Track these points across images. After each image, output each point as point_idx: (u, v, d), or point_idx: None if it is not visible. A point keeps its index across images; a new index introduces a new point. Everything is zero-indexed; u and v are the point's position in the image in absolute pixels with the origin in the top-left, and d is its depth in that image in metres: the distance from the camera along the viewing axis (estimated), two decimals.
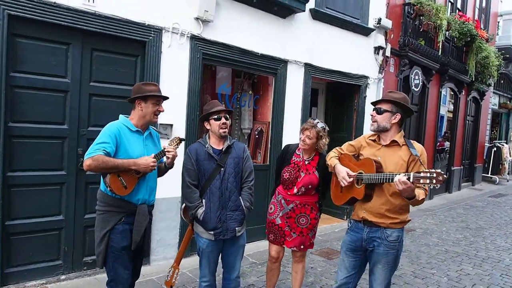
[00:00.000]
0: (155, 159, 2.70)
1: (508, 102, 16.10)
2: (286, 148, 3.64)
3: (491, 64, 10.92)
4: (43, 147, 3.82)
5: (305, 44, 5.96)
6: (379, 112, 2.84)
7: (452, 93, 11.12)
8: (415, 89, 8.66)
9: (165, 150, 2.78)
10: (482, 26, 11.38)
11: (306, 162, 3.44)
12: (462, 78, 10.66)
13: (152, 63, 4.32)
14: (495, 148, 13.80)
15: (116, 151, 2.65)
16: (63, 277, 3.99)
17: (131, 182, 2.67)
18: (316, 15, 6.03)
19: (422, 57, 8.49)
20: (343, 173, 2.87)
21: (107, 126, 2.73)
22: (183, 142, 3.01)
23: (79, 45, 3.92)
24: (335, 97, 7.57)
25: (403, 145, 2.80)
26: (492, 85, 12.95)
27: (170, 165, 2.94)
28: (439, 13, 8.13)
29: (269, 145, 5.79)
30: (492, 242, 6.42)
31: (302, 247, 3.48)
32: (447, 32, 8.98)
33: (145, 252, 3.04)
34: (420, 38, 8.35)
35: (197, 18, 4.59)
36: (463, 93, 11.36)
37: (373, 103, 2.94)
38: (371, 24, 7.04)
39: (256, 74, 5.82)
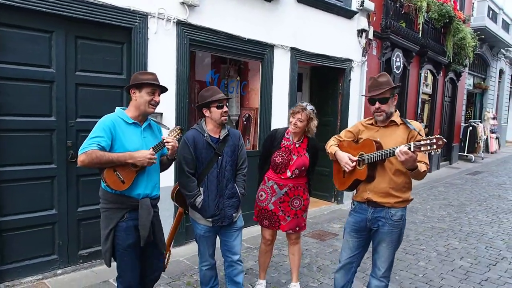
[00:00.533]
0: (153, 152, 2.60)
1: (482, 82, 16.53)
2: (274, 133, 3.64)
3: (467, 45, 11.15)
4: (31, 140, 3.69)
5: (290, 28, 5.93)
6: (384, 101, 2.81)
7: (431, 74, 11.32)
8: (397, 71, 8.77)
9: (164, 141, 2.67)
10: (458, 8, 11.56)
11: (297, 145, 3.48)
12: (440, 60, 10.86)
13: (139, 50, 4.20)
14: (470, 128, 14.18)
15: (111, 145, 2.55)
16: (59, 271, 3.91)
17: (128, 176, 2.57)
18: None
19: (403, 39, 8.58)
20: (345, 159, 2.90)
21: (101, 119, 2.62)
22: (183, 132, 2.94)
23: (63, 33, 3.77)
24: (319, 81, 7.59)
25: (400, 124, 2.85)
26: (468, 66, 13.23)
27: (172, 157, 2.84)
28: None
29: (258, 131, 5.78)
30: (474, 218, 6.65)
31: (297, 228, 3.55)
32: (426, 14, 9.08)
33: (161, 247, 2.89)
34: (401, 20, 8.42)
35: (182, 3, 4.48)
36: (441, 74, 11.59)
37: (374, 96, 2.82)
38: (354, 6, 7.05)
39: (243, 60, 5.76)
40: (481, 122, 15.69)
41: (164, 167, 2.92)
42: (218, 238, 3.27)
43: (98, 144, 2.47)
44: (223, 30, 4.97)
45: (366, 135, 2.94)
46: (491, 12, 14.70)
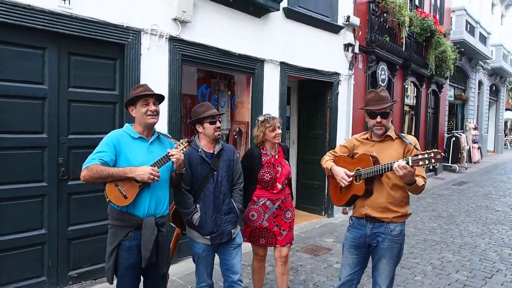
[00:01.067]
0: (155, 167, 2.55)
1: (463, 93, 16.95)
2: (250, 152, 3.60)
3: (448, 58, 11.47)
4: (21, 158, 3.61)
5: (280, 43, 6.00)
6: (385, 116, 2.83)
7: (414, 86, 11.57)
8: (382, 84, 8.94)
9: (169, 154, 2.61)
10: (438, 22, 11.90)
11: (277, 157, 3.54)
12: (423, 72, 11.12)
13: (132, 66, 4.19)
14: (454, 138, 14.46)
15: (116, 160, 2.55)
16: None
17: (131, 192, 2.53)
18: (289, 14, 6.08)
19: (388, 53, 8.77)
20: (342, 174, 2.91)
21: (108, 134, 2.63)
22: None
23: (56, 49, 3.74)
24: (307, 95, 7.66)
25: (396, 138, 2.88)
26: (449, 78, 13.58)
27: (180, 171, 2.78)
28: (402, 10, 8.44)
29: (249, 146, 5.78)
30: (465, 229, 6.72)
31: (292, 241, 3.62)
32: (409, 28, 9.32)
33: (163, 269, 2.79)
34: (385, 34, 8.62)
35: (175, 19, 4.51)
36: (424, 86, 11.85)
37: (379, 110, 2.82)
38: (340, 21, 7.19)
39: (234, 74, 5.79)
40: (463, 132, 16.03)
41: (173, 183, 2.87)
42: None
43: (101, 159, 2.46)
44: (215, 46, 5.00)
45: (362, 150, 2.96)
46: (468, 25, 15.14)
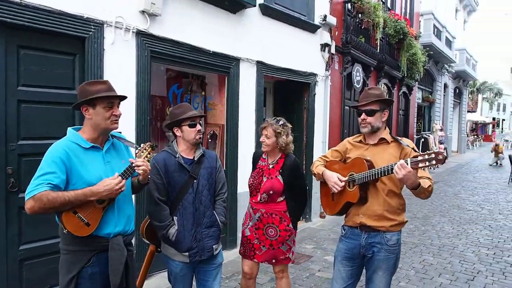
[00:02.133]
0: (121, 179, 2.11)
1: (430, 95, 17.27)
2: (255, 153, 3.40)
3: (418, 60, 11.54)
4: None
5: (256, 42, 5.66)
6: (370, 113, 2.65)
7: (387, 88, 11.55)
8: (357, 85, 8.79)
9: (133, 164, 2.19)
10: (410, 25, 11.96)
11: (270, 166, 3.19)
12: (395, 74, 11.11)
13: (94, 63, 3.72)
14: (422, 139, 14.67)
15: (67, 179, 2.06)
16: None
17: (94, 217, 2.09)
18: (266, 10, 5.75)
19: (363, 54, 8.63)
20: (334, 178, 2.66)
21: (50, 149, 2.11)
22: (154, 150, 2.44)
23: (2, 41, 3.22)
24: (283, 96, 7.36)
25: (391, 141, 2.67)
26: (418, 80, 13.72)
27: (144, 182, 2.37)
28: (377, 11, 8.31)
29: (225, 149, 5.40)
30: (441, 230, 6.66)
31: (274, 261, 3.19)
32: (383, 30, 9.23)
33: None
34: (360, 35, 8.47)
35: (143, 12, 4.06)
36: (396, 88, 11.86)
37: (361, 106, 2.71)
38: (317, 21, 6.93)
39: (209, 73, 5.40)
40: (431, 133, 16.31)
41: (135, 190, 2.46)
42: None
43: (49, 183, 1.98)
44: (187, 42, 4.58)
45: (355, 154, 2.73)
46: (436, 29, 15.42)
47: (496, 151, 17.36)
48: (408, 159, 2.29)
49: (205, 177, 2.79)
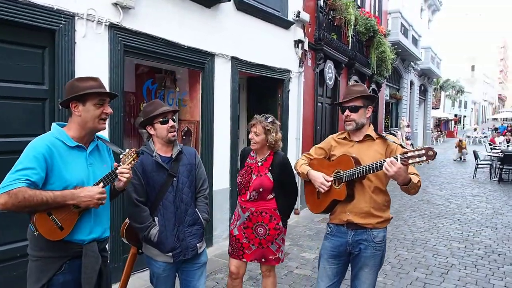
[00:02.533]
0: (103, 189, 2.01)
1: (397, 92, 17.71)
2: (242, 151, 3.34)
3: (387, 58, 11.79)
4: None
5: (230, 37, 5.60)
6: (354, 110, 2.64)
7: None
8: (329, 82, 8.89)
9: (118, 171, 2.09)
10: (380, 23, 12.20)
11: (259, 164, 3.15)
12: (365, 71, 11.31)
13: (64, 56, 3.56)
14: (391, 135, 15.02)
15: (46, 178, 1.93)
16: None
17: (68, 221, 1.98)
18: (240, 5, 5.70)
19: (335, 51, 8.72)
20: (320, 179, 2.65)
21: (32, 143, 1.98)
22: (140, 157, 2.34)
23: None
24: (257, 92, 7.33)
25: (377, 138, 2.67)
26: (387, 77, 14.03)
27: (122, 189, 2.27)
28: (349, 8, 8.42)
29: (199, 146, 5.32)
30: (413, 224, 6.84)
31: (263, 260, 3.15)
32: (354, 27, 9.36)
33: None
34: (332, 32, 8.55)
35: (115, 4, 3.92)
36: (365, 85, 12.04)
37: (343, 102, 2.71)
38: (291, 17, 6.94)
39: (183, 69, 5.30)
40: (398, 130, 16.74)
41: (111, 197, 2.36)
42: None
43: (27, 179, 1.85)
44: (161, 36, 4.47)
45: (340, 151, 2.72)
46: (403, 28, 15.81)
47: (460, 146, 18.04)
48: (398, 155, 2.29)
49: (185, 175, 2.73)
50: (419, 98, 22.94)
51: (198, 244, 2.73)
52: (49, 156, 1.95)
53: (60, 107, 3.11)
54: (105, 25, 3.87)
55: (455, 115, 44.39)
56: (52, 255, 2.01)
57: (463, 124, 49.08)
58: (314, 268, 4.76)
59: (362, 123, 2.66)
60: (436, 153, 2.20)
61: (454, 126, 42.61)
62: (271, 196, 3.12)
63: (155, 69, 5.33)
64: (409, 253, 5.36)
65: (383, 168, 2.33)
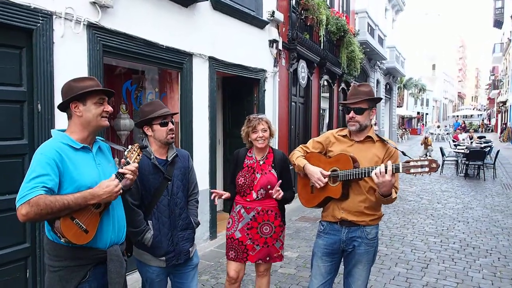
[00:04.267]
0: (118, 181, 1.98)
1: None
2: (236, 153, 3.29)
3: (356, 57, 12.08)
4: None
5: (208, 37, 5.59)
6: (359, 112, 2.62)
7: (328, 84, 11.97)
8: (302, 81, 9.02)
9: (124, 167, 2.06)
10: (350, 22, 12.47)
11: (261, 162, 3.14)
12: (336, 71, 11.54)
13: (42, 57, 3.44)
14: None
15: (59, 183, 1.89)
16: None
17: (92, 223, 1.94)
18: (217, 5, 5.69)
19: (308, 50, 8.86)
20: (318, 174, 2.65)
21: (39, 150, 1.94)
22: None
23: None
24: (233, 92, 7.35)
25: (377, 140, 2.68)
26: (356, 76, 14.37)
27: (128, 187, 2.25)
28: (320, 8, 8.57)
29: (179, 147, 5.28)
30: (389, 220, 7.03)
31: (268, 259, 3.15)
32: (326, 27, 9.54)
33: None
34: (305, 32, 8.68)
35: (94, 3, 3.84)
36: (336, 85, 12.34)
37: (349, 104, 2.66)
38: (265, 16, 7.00)
39: (162, 69, 5.24)
40: None
41: None
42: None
43: (44, 186, 1.80)
44: (140, 36, 4.41)
45: (338, 148, 2.73)
46: (369, 28, 16.23)
47: (426, 143, 18.68)
48: (400, 163, 2.31)
49: (179, 178, 2.72)
50: (385, 96, 23.63)
51: (190, 249, 2.73)
52: (60, 161, 1.91)
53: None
54: (84, 24, 3.77)
55: (418, 113, 45.96)
56: (75, 263, 1.97)
57: (425, 121, 50.87)
58: (298, 266, 4.84)
59: (366, 124, 2.65)
60: (439, 166, 2.25)
61: (422, 124, 44.09)
62: None
63: (133, 70, 5.23)
64: (388, 249, 5.51)
65: (372, 173, 2.36)
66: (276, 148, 7.61)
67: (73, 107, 2.04)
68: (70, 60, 3.68)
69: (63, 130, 2.10)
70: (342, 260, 2.85)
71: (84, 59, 3.82)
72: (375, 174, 2.35)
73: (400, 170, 2.32)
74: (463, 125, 32.07)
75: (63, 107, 2.08)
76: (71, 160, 1.96)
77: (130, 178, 2.09)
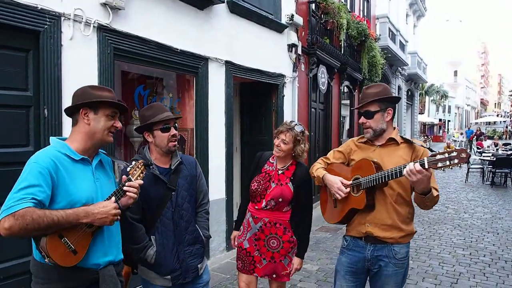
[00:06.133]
0: (116, 204, 1.78)
1: None
2: (259, 155, 3.03)
3: (378, 62, 11.74)
4: None
5: (224, 40, 5.38)
6: (369, 116, 2.42)
7: (348, 90, 11.64)
8: (322, 87, 8.73)
9: (126, 184, 1.87)
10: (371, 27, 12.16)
11: (280, 172, 2.86)
12: (356, 76, 11.20)
13: (50, 60, 3.28)
14: None
15: (52, 197, 1.69)
16: None
17: (82, 243, 1.73)
18: (234, 8, 5.49)
19: (328, 55, 8.58)
20: (338, 184, 2.41)
21: (32, 158, 1.75)
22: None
23: None
24: (250, 98, 7.11)
25: (401, 142, 2.43)
26: (377, 83, 14.01)
27: (127, 207, 2.02)
28: (341, 11, 8.30)
29: (194, 155, 5.06)
30: None
31: (274, 276, 2.87)
32: (346, 31, 9.26)
33: None
34: (324, 36, 8.41)
35: (104, 4, 3.67)
36: (356, 91, 11.98)
37: (358, 108, 2.50)
38: (284, 20, 6.77)
39: (176, 73, 5.06)
40: None
41: None
42: None
43: (34, 198, 1.60)
44: (153, 39, 4.23)
45: (360, 156, 2.49)
46: (391, 33, 15.85)
47: None
48: (425, 158, 2.06)
49: (185, 188, 2.47)
50: (407, 103, 23.07)
51: (199, 265, 2.48)
52: (55, 172, 1.71)
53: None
54: (94, 26, 3.61)
55: (440, 120, 44.92)
56: (64, 285, 1.76)
57: (448, 128, 49.72)
58: (318, 281, 4.54)
59: (381, 128, 2.42)
60: (470, 155, 1.99)
61: (443, 131, 43.07)
62: (288, 208, 2.86)
63: (147, 74, 5.06)
64: (415, 262, 5.16)
65: (404, 172, 2.11)
66: None
67: (83, 113, 1.86)
68: (79, 63, 3.51)
69: (64, 139, 1.91)
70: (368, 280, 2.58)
71: (94, 62, 3.65)
72: (407, 172, 2.08)
73: (426, 166, 2.04)
74: (478, 132, 30.84)
75: (71, 112, 1.90)
76: (67, 171, 1.76)
77: (133, 197, 1.88)
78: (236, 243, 2.99)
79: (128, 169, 1.91)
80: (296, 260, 2.87)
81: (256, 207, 2.85)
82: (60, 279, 1.75)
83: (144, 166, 1.98)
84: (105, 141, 1.93)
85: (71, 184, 1.75)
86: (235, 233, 3.03)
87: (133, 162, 1.94)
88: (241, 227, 2.97)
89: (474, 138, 28.67)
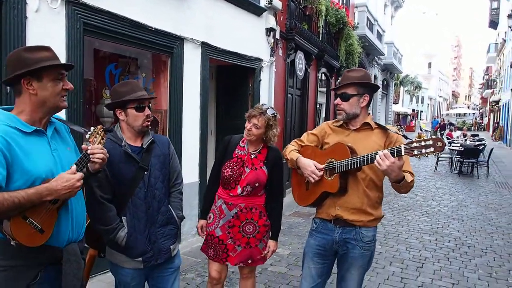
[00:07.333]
0: (81, 174, 1.67)
1: None
2: (228, 139, 2.94)
3: (355, 51, 11.79)
4: None
5: (201, 21, 5.25)
6: (344, 98, 2.41)
7: (325, 77, 11.67)
8: (300, 73, 8.70)
9: (89, 151, 1.76)
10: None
11: (252, 156, 2.81)
12: (334, 64, 11.23)
13: (13, 33, 3.10)
14: None
15: (8, 175, 1.57)
16: None
17: (48, 221, 1.64)
18: None
19: (306, 41, 8.54)
20: (311, 167, 2.39)
21: None
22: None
23: None
24: (227, 81, 7.01)
25: (375, 128, 2.45)
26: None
27: (97, 171, 1.91)
28: None
29: (167, 137, 4.94)
30: (383, 217, 6.73)
31: (249, 261, 2.85)
32: (325, 18, 9.22)
33: None
34: (303, 22, 8.35)
35: None
36: (333, 78, 12.02)
37: (335, 89, 2.50)
38: (263, 3, 6.66)
39: (150, 53, 4.90)
40: None
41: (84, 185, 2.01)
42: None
43: None
44: (126, 16, 4.06)
45: (334, 139, 2.49)
46: (369, 22, 15.93)
47: None
48: (402, 146, 2.06)
49: (158, 167, 2.39)
50: (382, 92, 23.42)
51: (171, 246, 2.42)
52: (7, 149, 1.57)
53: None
54: None
55: (413, 110, 45.91)
56: (26, 263, 1.67)
57: (420, 119, 50.87)
58: (289, 264, 4.57)
59: (354, 113, 2.42)
60: (446, 144, 2.00)
61: (411, 121, 44.07)
62: (262, 191, 2.84)
63: (119, 52, 4.88)
64: (383, 247, 5.28)
65: (375, 162, 2.11)
66: None
67: (25, 83, 1.68)
68: (46, 38, 3.32)
69: (10, 109, 1.74)
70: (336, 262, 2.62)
71: (62, 37, 3.47)
72: (377, 161, 2.08)
73: (402, 153, 2.04)
74: (442, 123, 31.79)
75: (11, 82, 1.72)
76: (20, 147, 1.63)
77: (99, 161, 1.77)
78: (204, 232, 2.91)
79: (87, 136, 1.81)
80: (271, 243, 2.87)
81: (231, 194, 2.79)
82: (21, 256, 1.66)
83: (104, 131, 1.88)
84: (58, 107, 1.78)
85: (26, 160, 1.63)
86: (202, 222, 2.93)
87: (92, 128, 1.84)
88: (211, 214, 2.88)
89: (438, 129, 29.68)
